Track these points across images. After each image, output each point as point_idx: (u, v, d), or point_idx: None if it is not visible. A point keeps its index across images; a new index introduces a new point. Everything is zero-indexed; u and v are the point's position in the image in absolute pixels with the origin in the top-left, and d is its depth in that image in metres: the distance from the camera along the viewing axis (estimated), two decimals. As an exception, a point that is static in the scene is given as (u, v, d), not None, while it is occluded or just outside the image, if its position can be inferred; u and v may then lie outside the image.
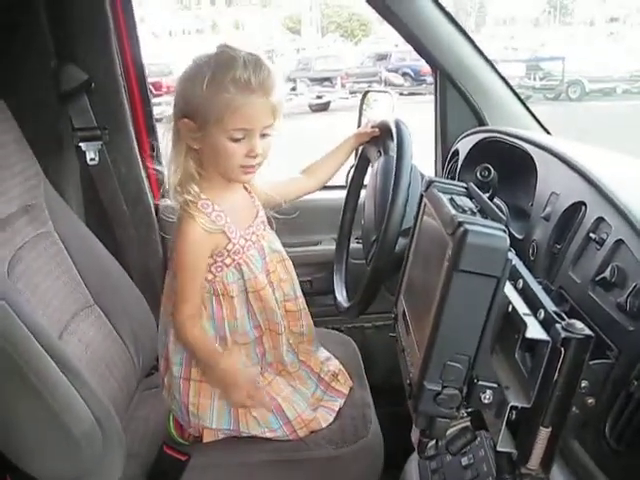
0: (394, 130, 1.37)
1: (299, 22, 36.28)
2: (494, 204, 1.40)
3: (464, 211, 0.85)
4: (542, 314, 0.82)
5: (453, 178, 1.74)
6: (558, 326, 0.77)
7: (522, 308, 0.84)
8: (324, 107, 15.99)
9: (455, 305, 0.77)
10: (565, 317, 0.80)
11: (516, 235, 1.33)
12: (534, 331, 0.78)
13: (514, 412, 0.82)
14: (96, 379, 1.51)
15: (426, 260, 0.95)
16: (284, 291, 1.45)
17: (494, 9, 32.41)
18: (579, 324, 0.77)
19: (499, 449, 0.82)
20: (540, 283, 1.06)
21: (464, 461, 1.08)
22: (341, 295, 1.56)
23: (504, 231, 0.77)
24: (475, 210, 0.88)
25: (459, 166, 1.73)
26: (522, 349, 0.84)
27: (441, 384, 0.80)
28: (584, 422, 0.85)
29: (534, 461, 0.81)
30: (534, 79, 16.30)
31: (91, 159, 1.89)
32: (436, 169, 2.02)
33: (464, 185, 1.01)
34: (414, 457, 1.39)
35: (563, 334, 0.75)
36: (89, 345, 1.62)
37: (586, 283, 0.97)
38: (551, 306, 0.83)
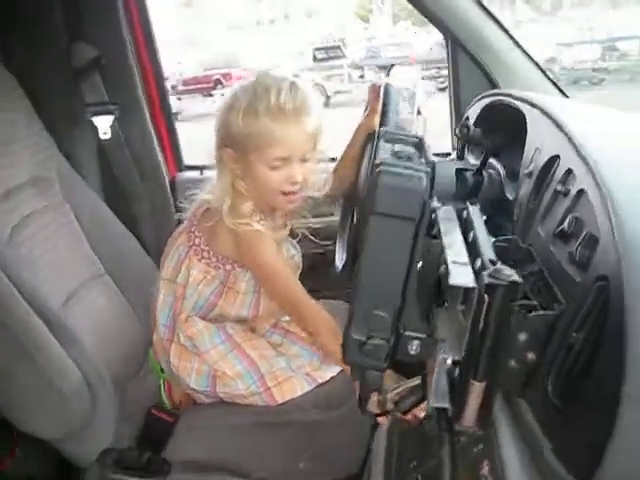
0: (381, 98, 1.31)
1: (371, 11, 35.94)
2: (489, 164, 1.37)
3: (399, 158, 0.81)
4: (479, 263, 0.78)
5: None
6: (485, 273, 0.73)
7: (458, 257, 0.80)
8: (390, 93, 15.79)
9: (375, 250, 0.74)
10: (499, 264, 0.76)
11: (508, 196, 1.29)
12: (458, 277, 0.74)
13: (454, 366, 0.79)
14: (99, 344, 1.55)
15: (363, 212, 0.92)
16: None
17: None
18: (508, 270, 0.72)
19: (432, 404, 0.79)
20: (509, 241, 1.02)
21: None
22: (340, 260, 1.53)
23: (426, 173, 0.74)
24: (413, 156, 0.84)
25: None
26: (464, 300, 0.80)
27: (366, 334, 0.77)
28: (527, 378, 0.80)
29: (469, 417, 0.77)
30: (609, 60, 15.65)
31: (104, 133, 1.93)
32: (452, 135, 1.97)
33: (417, 136, 0.96)
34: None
35: (487, 280, 0.71)
36: (97, 312, 1.66)
37: (549, 237, 0.92)
38: (490, 255, 0.79)
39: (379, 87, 1.37)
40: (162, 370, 1.51)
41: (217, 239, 1.38)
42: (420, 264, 0.78)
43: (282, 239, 1.42)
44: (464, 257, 0.81)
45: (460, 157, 1.66)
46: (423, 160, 0.84)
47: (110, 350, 1.60)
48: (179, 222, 2.06)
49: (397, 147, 0.86)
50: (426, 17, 1.79)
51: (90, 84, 1.91)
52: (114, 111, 1.92)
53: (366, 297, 0.76)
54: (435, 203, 0.80)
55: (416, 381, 0.93)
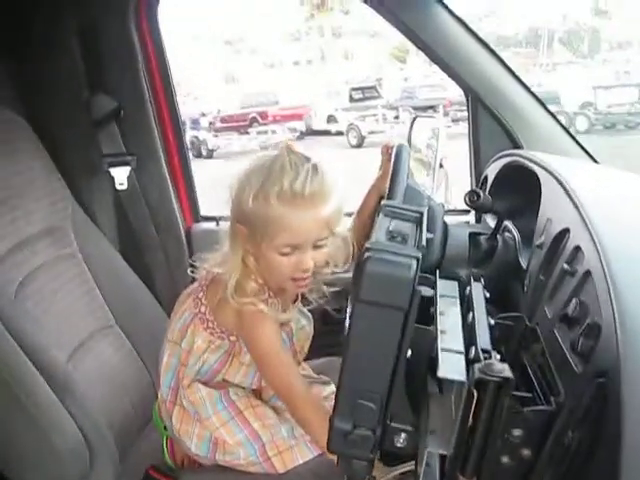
0: (392, 160, 1.27)
1: (407, 52, 36.11)
2: (505, 228, 1.32)
3: (392, 238, 0.78)
4: (473, 352, 0.74)
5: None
6: (477, 366, 0.69)
7: (452, 344, 0.76)
8: (426, 135, 15.78)
9: (360, 338, 0.71)
10: (493, 355, 0.72)
11: (522, 263, 1.24)
12: (447, 370, 0.70)
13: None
14: (105, 396, 1.54)
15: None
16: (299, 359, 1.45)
17: (608, 34, 31.14)
18: (499, 365, 0.68)
19: (418, 500, 0.74)
20: (515, 319, 0.98)
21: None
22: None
23: (416, 259, 0.70)
24: (407, 237, 0.80)
25: (487, 192, 1.64)
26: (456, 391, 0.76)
27: (352, 423, 0.73)
28: (523, 476, 0.76)
29: (458, 516, 0.73)
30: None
31: (120, 184, 1.94)
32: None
33: (419, 210, 0.92)
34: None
35: (477, 375, 0.67)
36: (105, 363, 1.65)
37: (554, 319, 0.88)
38: (485, 343, 0.75)
39: (391, 148, 1.34)
40: (165, 427, 1.48)
41: (222, 311, 1.33)
42: (410, 352, 0.74)
43: (289, 319, 1.38)
44: (459, 344, 0.78)
45: (478, 219, 1.62)
46: (418, 240, 0.81)
47: (116, 403, 1.58)
48: (193, 279, 2.05)
49: (393, 225, 0.83)
50: (447, 73, 1.77)
51: (108, 135, 1.92)
52: (131, 162, 1.93)
53: (351, 386, 0.73)
54: (425, 291, 0.77)
55: (409, 466, 0.88)
